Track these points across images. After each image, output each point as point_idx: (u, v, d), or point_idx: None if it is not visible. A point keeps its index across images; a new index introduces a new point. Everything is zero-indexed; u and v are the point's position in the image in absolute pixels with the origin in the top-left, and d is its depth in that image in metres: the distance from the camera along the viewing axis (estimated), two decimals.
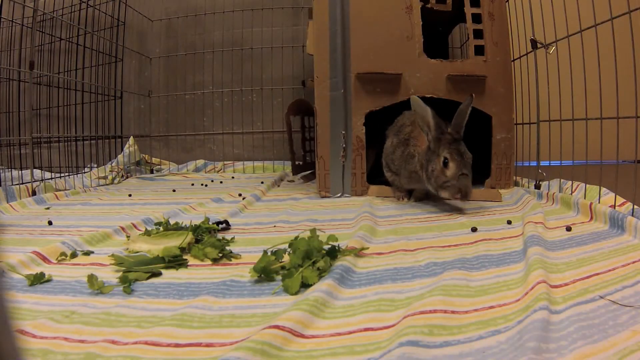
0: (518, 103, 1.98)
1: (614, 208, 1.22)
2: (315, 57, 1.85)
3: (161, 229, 1.19)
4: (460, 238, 1.13)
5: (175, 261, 0.97)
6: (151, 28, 3.29)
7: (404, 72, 1.83)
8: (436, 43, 2.59)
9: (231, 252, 1.04)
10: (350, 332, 0.65)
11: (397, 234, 1.19)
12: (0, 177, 2.07)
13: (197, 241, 1.10)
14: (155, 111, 3.30)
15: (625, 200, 1.26)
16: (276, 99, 3.17)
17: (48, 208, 1.69)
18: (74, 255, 1.03)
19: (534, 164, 1.86)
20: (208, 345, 0.62)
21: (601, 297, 0.71)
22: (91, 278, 0.82)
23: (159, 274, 0.91)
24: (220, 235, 1.19)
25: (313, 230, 1.02)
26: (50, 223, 1.38)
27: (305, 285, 0.81)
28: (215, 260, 0.99)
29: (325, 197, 1.85)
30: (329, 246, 0.94)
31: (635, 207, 1.18)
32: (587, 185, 1.46)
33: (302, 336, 0.63)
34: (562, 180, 1.67)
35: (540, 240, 1.00)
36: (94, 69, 3.03)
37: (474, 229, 1.20)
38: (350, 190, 1.85)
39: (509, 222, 1.27)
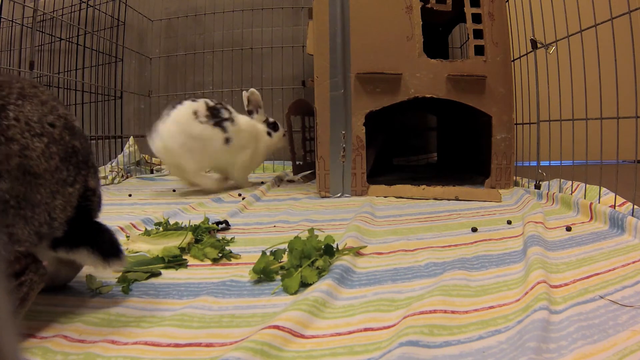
0: (518, 103, 1.98)
1: (614, 208, 1.22)
2: (315, 57, 1.85)
3: (161, 229, 1.19)
4: (460, 238, 1.13)
5: (175, 261, 0.97)
6: (151, 28, 3.29)
7: (404, 72, 1.83)
8: (436, 43, 2.59)
9: (231, 252, 1.04)
10: (350, 332, 0.64)
11: (397, 234, 1.19)
12: None
13: (197, 241, 1.10)
14: (155, 111, 3.30)
15: (625, 200, 1.26)
16: (276, 99, 3.17)
17: None
18: None
19: (534, 164, 1.86)
20: (208, 345, 0.62)
21: (601, 297, 0.71)
22: (90, 278, 0.82)
23: (158, 274, 0.91)
24: (220, 235, 1.19)
25: (311, 230, 1.02)
26: None
27: (304, 284, 0.81)
28: (215, 261, 0.99)
29: (325, 197, 1.85)
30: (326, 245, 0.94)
31: (636, 207, 1.18)
32: (587, 185, 1.46)
33: (302, 336, 0.63)
34: (562, 180, 1.67)
35: (540, 240, 1.00)
36: (94, 69, 3.03)
37: (474, 229, 1.20)
38: (350, 191, 1.85)
39: (509, 222, 1.27)
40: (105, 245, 0.69)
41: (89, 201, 0.69)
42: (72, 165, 0.65)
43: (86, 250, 0.67)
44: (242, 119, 2.10)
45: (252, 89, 2.22)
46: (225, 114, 2.01)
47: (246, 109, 2.25)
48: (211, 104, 2.00)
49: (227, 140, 2.00)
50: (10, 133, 0.58)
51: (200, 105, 1.96)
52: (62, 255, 0.67)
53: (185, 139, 1.89)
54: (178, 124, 1.89)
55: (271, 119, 2.30)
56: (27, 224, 0.59)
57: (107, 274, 0.76)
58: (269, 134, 2.25)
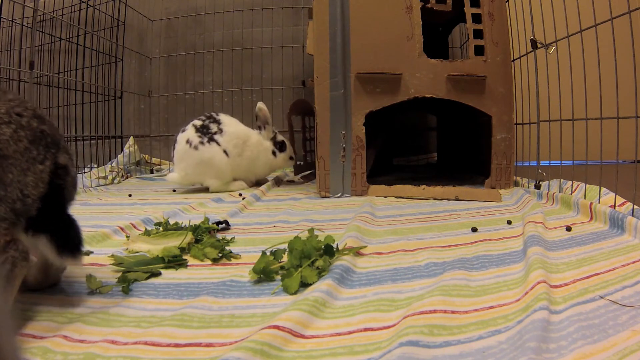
0: (518, 103, 1.98)
1: (614, 208, 1.22)
2: (315, 57, 1.85)
3: (161, 229, 1.19)
4: (460, 238, 1.13)
5: (175, 261, 0.97)
6: (151, 28, 3.29)
7: (404, 72, 1.83)
8: (436, 43, 2.59)
9: (231, 252, 1.04)
10: (350, 332, 0.64)
11: (397, 234, 1.19)
12: None
13: (197, 241, 1.10)
14: (155, 111, 3.30)
15: (625, 200, 1.26)
16: (276, 99, 3.17)
17: None
18: None
19: (534, 164, 1.86)
20: (208, 345, 0.62)
21: (601, 297, 0.71)
22: (90, 278, 0.82)
23: (158, 274, 0.91)
24: (220, 235, 1.19)
25: (311, 230, 1.02)
26: None
27: (304, 284, 0.81)
28: (215, 260, 0.99)
29: (325, 197, 1.85)
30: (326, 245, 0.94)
31: (635, 207, 1.18)
32: (587, 186, 1.46)
33: (302, 336, 0.63)
34: (562, 180, 1.67)
35: (540, 240, 1.00)
36: (94, 69, 3.03)
37: (474, 229, 1.20)
38: (350, 190, 1.85)
39: (509, 222, 1.27)
40: (66, 240, 0.70)
41: (61, 179, 0.72)
42: (42, 146, 0.70)
43: (45, 239, 0.68)
44: (230, 128, 2.11)
45: (259, 105, 2.22)
46: (214, 128, 2.07)
47: (256, 124, 2.26)
48: (198, 123, 2.08)
49: (225, 153, 2.07)
50: None
51: (189, 132, 2.05)
52: (29, 239, 0.69)
53: (193, 168, 2.04)
54: (181, 160, 2.05)
55: (280, 138, 2.28)
56: (2, 201, 0.63)
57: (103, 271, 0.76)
58: (274, 153, 2.25)
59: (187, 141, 2.03)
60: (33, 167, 0.68)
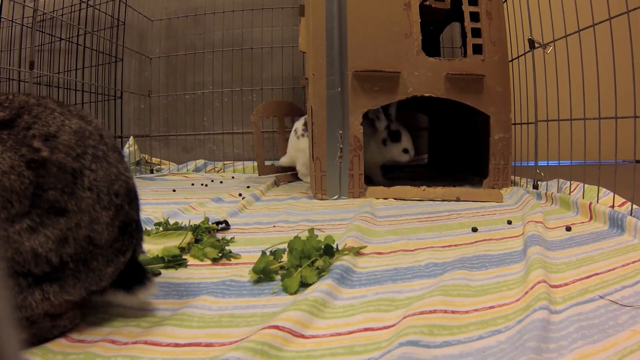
0: (516, 103, 1.98)
1: (613, 208, 1.22)
2: (311, 54, 1.83)
3: (161, 228, 1.19)
4: (461, 238, 1.13)
5: (175, 261, 0.97)
6: (151, 28, 3.29)
7: (402, 71, 1.81)
8: (428, 42, 2.58)
9: (231, 252, 1.04)
10: (350, 332, 0.65)
11: (397, 234, 1.19)
12: None
13: (197, 241, 1.10)
14: (155, 111, 3.30)
15: (624, 200, 1.26)
16: (276, 99, 3.17)
17: None
18: None
19: (532, 164, 1.86)
20: (207, 345, 0.62)
21: (601, 297, 0.71)
22: None
23: (158, 274, 0.91)
24: (220, 235, 1.19)
25: (311, 230, 1.02)
26: None
27: (304, 284, 0.81)
28: (214, 260, 0.99)
29: (321, 200, 1.81)
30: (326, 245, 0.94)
31: (635, 206, 1.18)
32: (586, 186, 1.46)
33: (302, 336, 0.63)
34: (560, 180, 1.67)
35: (540, 239, 1.00)
36: (94, 69, 3.03)
37: (474, 229, 1.20)
38: (348, 192, 1.82)
39: (509, 222, 1.27)
40: (131, 280, 0.68)
41: (135, 263, 0.70)
42: (127, 235, 0.66)
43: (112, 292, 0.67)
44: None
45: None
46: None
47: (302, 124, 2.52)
48: (303, 120, 2.37)
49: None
50: (83, 205, 0.60)
51: (299, 123, 2.37)
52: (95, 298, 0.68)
53: (294, 152, 2.39)
54: (289, 144, 2.43)
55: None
56: (79, 282, 0.61)
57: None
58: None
59: (294, 129, 2.36)
60: (116, 259, 0.64)
